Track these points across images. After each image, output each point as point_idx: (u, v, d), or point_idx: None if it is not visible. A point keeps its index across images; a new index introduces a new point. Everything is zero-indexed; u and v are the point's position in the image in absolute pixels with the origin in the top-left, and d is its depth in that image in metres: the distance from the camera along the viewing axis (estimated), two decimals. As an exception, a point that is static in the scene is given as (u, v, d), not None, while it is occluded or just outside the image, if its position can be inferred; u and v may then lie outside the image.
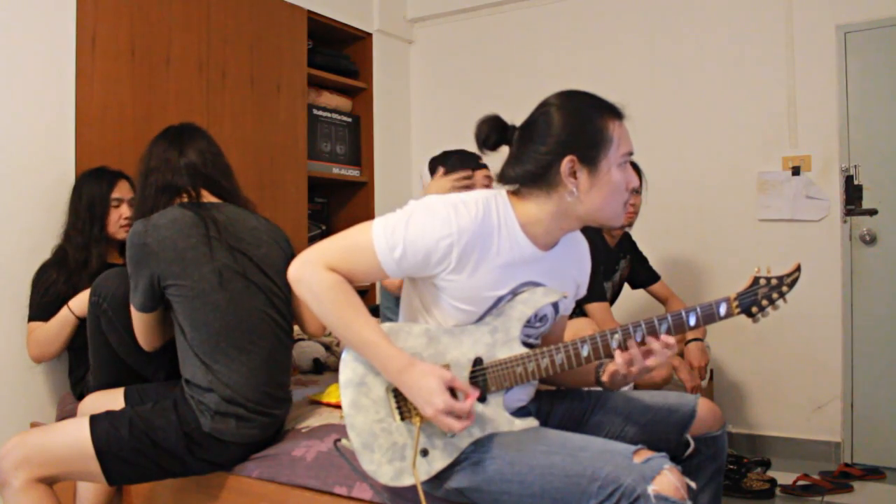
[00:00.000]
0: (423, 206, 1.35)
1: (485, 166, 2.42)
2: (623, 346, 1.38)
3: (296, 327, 1.96)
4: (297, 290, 1.38)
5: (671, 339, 1.35)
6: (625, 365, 1.38)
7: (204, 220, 1.75)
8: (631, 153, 1.40)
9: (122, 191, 2.32)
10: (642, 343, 1.37)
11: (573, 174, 1.35)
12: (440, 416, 1.27)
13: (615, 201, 1.38)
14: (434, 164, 2.45)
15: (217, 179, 1.88)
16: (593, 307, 2.46)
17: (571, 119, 1.36)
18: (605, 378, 1.49)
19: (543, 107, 1.40)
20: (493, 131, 1.43)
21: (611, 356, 1.39)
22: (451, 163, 2.40)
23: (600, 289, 2.50)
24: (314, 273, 1.35)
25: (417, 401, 1.30)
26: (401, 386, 1.33)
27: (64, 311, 2.18)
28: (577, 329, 2.13)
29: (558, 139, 1.35)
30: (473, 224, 1.33)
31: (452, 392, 1.30)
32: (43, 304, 2.22)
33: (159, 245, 1.69)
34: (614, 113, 1.38)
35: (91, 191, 2.29)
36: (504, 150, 1.46)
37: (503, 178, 1.43)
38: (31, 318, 2.24)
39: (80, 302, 2.16)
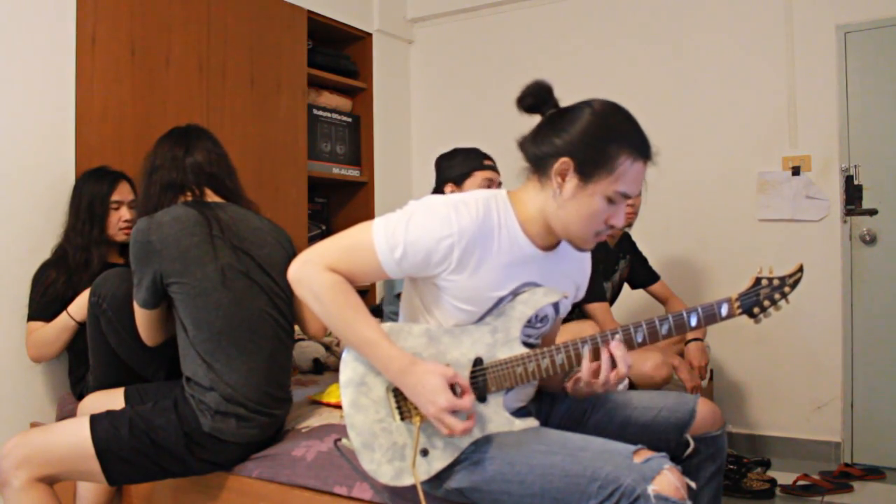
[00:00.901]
0: (424, 207, 1.35)
1: (491, 168, 2.41)
2: (593, 355, 1.36)
3: (296, 327, 1.96)
4: (298, 290, 1.38)
5: (623, 367, 1.34)
6: (590, 374, 1.36)
7: (207, 219, 1.76)
8: (627, 195, 1.34)
9: (122, 193, 2.32)
10: (643, 343, 1.37)
11: (562, 175, 1.34)
12: (443, 415, 1.27)
13: (587, 225, 1.35)
14: (440, 162, 2.44)
15: (222, 179, 1.89)
16: (593, 307, 2.46)
17: (593, 129, 1.33)
18: (567, 384, 1.47)
19: (584, 104, 1.37)
20: (533, 96, 1.39)
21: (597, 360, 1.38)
22: (458, 161, 2.40)
23: (600, 289, 2.50)
24: (314, 273, 1.34)
25: (419, 400, 1.30)
26: (402, 386, 1.33)
27: (63, 317, 2.18)
28: (577, 332, 2.13)
29: (571, 138, 1.34)
30: (474, 224, 1.33)
31: (453, 390, 1.30)
32: (43, 303, 2.22)
33: (162, 243, 1.69)
34: (638, 151, 1.33)
35: (91, 192, 2.28)
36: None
37: (520, 145, 1.42)
38: (31, 318, 2.24)
39: (79, 307, 2.16)
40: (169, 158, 1.85)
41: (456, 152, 2.44)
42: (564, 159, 1.33)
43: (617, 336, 1.37)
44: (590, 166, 1.32)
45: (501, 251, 1.37)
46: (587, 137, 1.33)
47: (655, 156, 1.36)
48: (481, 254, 1.35)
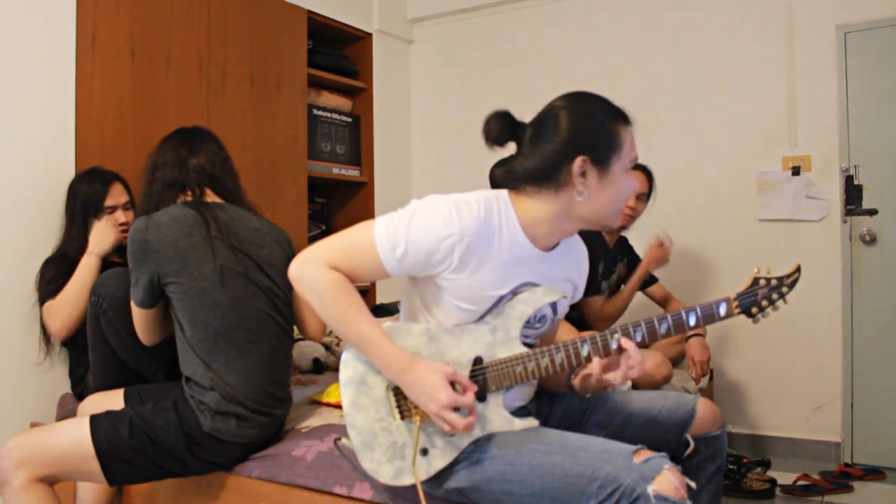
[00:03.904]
0: (426, 206, 1.35)
1: None
2: (602, 353, 1.37)
3: (295, 328, 1.96)
4: (299, 288, 1.38)
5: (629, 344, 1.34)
6: (601, 370, 1.37)
7: (206, 219, 1.76)
8: (636, 159, 1.41)
9: (115, 196, 2.31)
10: (642, 343, 1.37)
11: (583, 174, 1.35)
12: (444, 412, 1.27)
13: (617, 204, 1.40)
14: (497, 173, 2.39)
15: (223, 180, 1.90)
16: (589, 300, 2.51)
17: (584, 120, 1.36)
18: (575, 382, 1.48)
19: (554, 108, 1.39)
20: (503, 127, 1.42)
21: (609, 356, 1.39)
22: None
23: (596, 284, 2.54)
24: (315, 271, 1.35)
25: (420, 398, 1.30)
26: (403, 385, 1.33)
27: (84, 259, 2.17)
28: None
29: (569, 139, 1.35)
30: (476, 224, 1.33)
31: (453, 388, 1.30)
32: (52, 289, 2.20)
33: (160, 243, 1.69)
34: (623, 118, 1.39)
35: (85, 196, 2.28)
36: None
37: (511, 175, 1.43)
38: (43, 301, 2.22)
39: (96, 242, 2.16)
40: (172, 157, 1.86)
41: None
42: (580, 158, 1.33)
43: (616, 335, 1.37)
44: (602, 152, 1.35)
45: (502, 251, 1.37)
46: (583, 130, 1.35)
47: (633, 114, 1.42)
48: (482, 253, 1.35)
